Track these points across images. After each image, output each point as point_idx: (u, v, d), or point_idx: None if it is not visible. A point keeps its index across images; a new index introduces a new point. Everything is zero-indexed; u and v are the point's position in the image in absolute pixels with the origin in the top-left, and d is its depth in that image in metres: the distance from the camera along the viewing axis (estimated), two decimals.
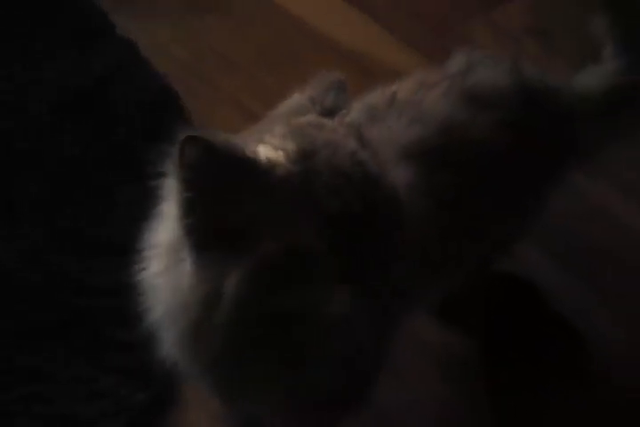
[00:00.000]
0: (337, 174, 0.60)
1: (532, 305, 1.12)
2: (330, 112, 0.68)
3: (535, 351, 1.08)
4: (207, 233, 0.60)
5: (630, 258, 1.17)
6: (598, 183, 1.22)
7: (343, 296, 0.60)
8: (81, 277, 1.11)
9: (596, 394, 1.05)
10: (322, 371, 0.67)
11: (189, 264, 0.62)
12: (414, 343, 1.07)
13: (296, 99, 0.71)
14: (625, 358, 1.08)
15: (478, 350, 1.09)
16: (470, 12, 1.51)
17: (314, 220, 0.58)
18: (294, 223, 0.58)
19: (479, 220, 0.83)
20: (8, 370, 1.01)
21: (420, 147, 0.79)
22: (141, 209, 1.17)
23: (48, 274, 1.11)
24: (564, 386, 1.05)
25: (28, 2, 1.49)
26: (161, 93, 1.37)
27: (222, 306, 0.60)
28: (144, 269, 0.69)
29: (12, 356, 1.02)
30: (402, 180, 0.74)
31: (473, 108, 0.83)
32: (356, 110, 0.79)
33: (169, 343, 0.69)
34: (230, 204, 0.59)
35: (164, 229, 0.67)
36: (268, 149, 0.60)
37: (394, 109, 0.83)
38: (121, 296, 1.06)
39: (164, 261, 0.66)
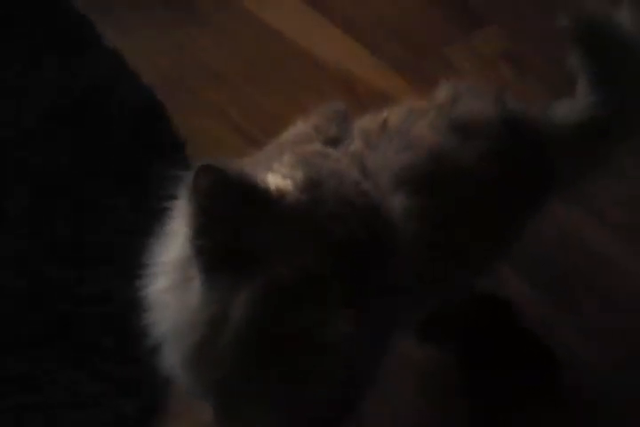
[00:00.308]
0: (342, 203, 0.63)
1: (507, 324, 1.16)
2: (333, 142, 0.72)
3: (510, 368, 1.11)
4: (218, 255, 0.63)
5: (601, 281, 1.22)
6: (573, 209, 1.27)
7: (348, 320, 0.63)
8: (69, 286, 1.11)
9: (568, 409, 1.09)
10: (322, 390, 0.70)
11: (198, 284, 0.65)
12: (394, 356, 1.10)
13: (300, 127, 0.74)
14: (595, 375, 1.12)
15: (456, 365, 1.12)
16: (450, 36, 1.56)
17: (320, 247, 0.62)
18: (302, 249, 0.62)
19: (465, 245, 0.87)
20: None
21: (411, 173, 0.83)
22: (129, 220, 1.21)
23: (36, 282, 1.12)
24: (537, 402, 1.09)
25: (14, 11, 1.50)
26: (147, 105, 1.39)
27: (230, 326, 0.63)
28: (149, 284, 0.72)
29: None
30: (397, 206, 0.78)
31: (460, 138, 0.87)
32: (355, 138, 0.82)
33: (172, 360, 0.71)
34: (242, 230, 0.62)
35: (173, 247, 0.69)
36: (277, 178, 0.64)
37: (386, 136, 0.87)
38: (109, 305, 1.09)
39: (172, 277, 0.69)
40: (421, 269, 0.81)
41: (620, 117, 0.97)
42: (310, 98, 1.44)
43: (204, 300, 0.64)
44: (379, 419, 1.05)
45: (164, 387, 0.97)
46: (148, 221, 0.69)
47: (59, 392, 1.00)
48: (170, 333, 0.70)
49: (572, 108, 0.97)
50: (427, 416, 1.09)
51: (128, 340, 0.75)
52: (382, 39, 1.56)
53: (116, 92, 1.39)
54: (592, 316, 1.18)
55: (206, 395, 0.75)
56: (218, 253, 0.63)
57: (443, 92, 0.94)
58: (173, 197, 0.66)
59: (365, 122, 0.90)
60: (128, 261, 0.73)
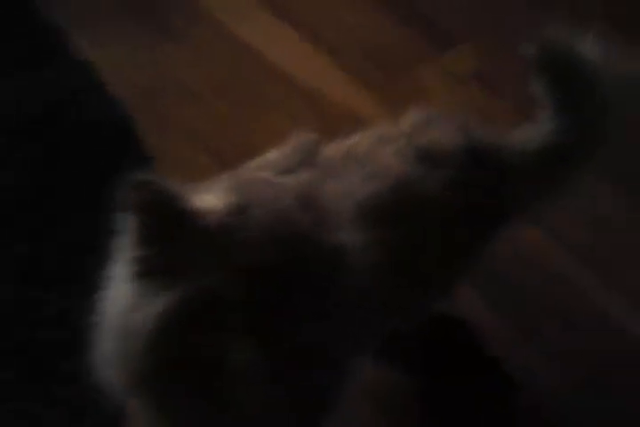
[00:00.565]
0: (262, 231, 0.65)
1: (465, 344, 1.17)
2: (288, 171, 0.73)
3: (466, 389, 1.12)
4: (147, 265, 0.66)
5: (561, 302, 1.23)
6: (532, 230, 1.28)
7: (251, 347, 0.65)
8: (24, 307, 1.10)
9: None
10: (231, 415, 0.71)
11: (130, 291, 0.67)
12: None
13: (271, 156, 0.75)
14: (555, 396, 1.13)
15: (412, 384, 1.13)
16: (422, 55, 1.57)
17: (230, 270, 0.64)
18: (213, 270, 0.64)
19: (429, 273, 0.88)
20: None
21: (375, 202, 0.83)
22: (88, 239, 1.18)
23: None
24: (493, 424, 1.11)
25: None
26: (116, 120, 1.38)
27: (142, 336, 0.66)
28: (102, 299, 0.73)
29: None
30: (356, 236, 0.79)
31: (425, 166, 0.88)
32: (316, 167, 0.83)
33: (101, 357, 0.72)
34: (164, 245, 0.65)
35: (121, 262, 0.71)
36: (210, 199, 0.66)
37: (350, 164, 0.87)
38: (65, 327, 1.07)
39: (121, 291, 0.70)
40: (385, 296, 0.83)
41: (580, 144, 0.98)
42: (281, 116, 1.45)
43: (132, 307, 0.67)
44: None
45: (119, 410, 0.97)
46: (109, 238, 0.70)
47: (11, 415, 0.98)
48: (109, 343, 0.71)
49: (533, 134, 0.99)
50: None
51: (84, 364, 0.74)
52: (354, 57, 1.57)
53: (83, 105, 1.38)
54: (552, 337, 1.20)
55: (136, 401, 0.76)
56: (147, 264, 0.66)
57: (411, 119, 0.95)
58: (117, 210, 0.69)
59: (332, 149, 0.91)
60: (87, 280, 0.74)
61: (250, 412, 0.68)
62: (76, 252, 1.17)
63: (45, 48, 1.47)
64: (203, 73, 1.51)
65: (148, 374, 0.68)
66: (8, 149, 1.29)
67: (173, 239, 0.65)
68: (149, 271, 0.66)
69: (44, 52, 1.47)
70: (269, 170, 0.73)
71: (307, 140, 0.74)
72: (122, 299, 0.69)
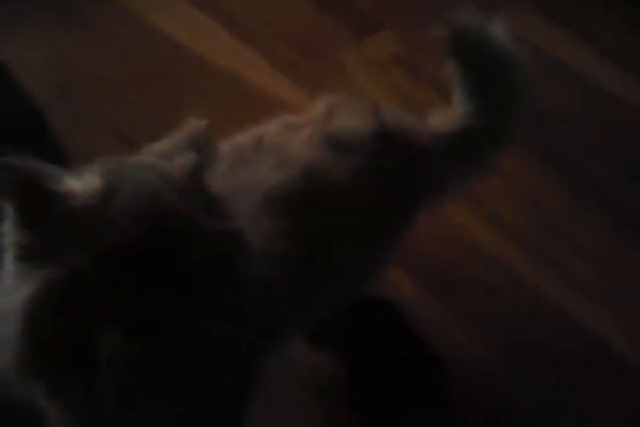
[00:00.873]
0: (126, 214, 0.63)
1: (393, 326, 1.18)
2: (166, 156, 0.71)
3: (397, 371, 1.13)
4: (24, 249, 0.65)
5: (486, 279, 1.25)
6: (466, 213, 1.30)
7: (114, 332, 0.63)
8: None
9: (454, 410, 1.12)
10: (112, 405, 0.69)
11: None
12: (284, 364, 1.10)
13: (162, 144, 0.73)
14: (483, 375, 1.15)
15: (346, 372, 1.13)
16: (342, 41, 1.56)
17: (97, 252, 0.62)
18: (80, 253, 0.62)
19: (343, 262, 0.87)
20: None
21: (284, 191, 0.82)
22: None
23: None
24: (425, 405, 1.12)
25: None
26: (28, 115, 1.33)
27: (15, 321, 0.64)
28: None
29: None
30: (264, 225, 0.78)
31: (335, 153, 0.87)
32: (221, 152, 0.81)
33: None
34: (39, 227, 0.64)
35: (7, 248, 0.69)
36: (76, 182, 0.64)
37: (260, 153, 0.86)
38: None
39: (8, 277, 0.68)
40: (296, 287, 0.81)
41: (494, 127, 0.99)
42: (200, 104, 1.42)
43: (8, 290, 0.65)
44: None
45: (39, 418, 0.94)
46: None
47: None
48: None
49: (447, 117, 0.99)
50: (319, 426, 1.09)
51: None
52: (274, 43, 1.55)
53: None
54: (483, 318, 1.21)
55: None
56: (24, 248, 0.64)
57: (319, 106, 0.94)
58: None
59: (240, 138, 0.89)
60: None
61: (115, 400, 0.66)
62: None
63: None
64: (116, 62, 1.48)
65: (24, 359, 0.66)
66: None
67: (45, 222, 0.63)
68: (27, 255, 0.64)
69: None
70: (153, 156, 0.71)
71: (196, 127, 0.72)
72: (7, 284, 0.67)
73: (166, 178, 0.66)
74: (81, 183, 0.64)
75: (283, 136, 0.89)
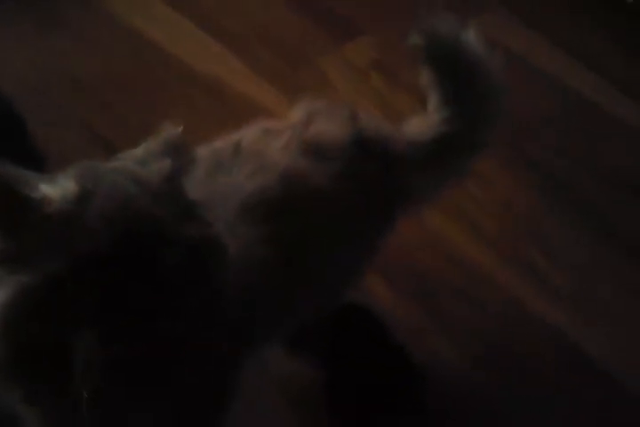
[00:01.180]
0: (100, 217, 0.64)
1: (374, 333, 1.18)
2: (142, 163, 0.71)
3: (376, 377, 1.13)
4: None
5: (463, 287, 1.26)
6: (439, 217, 1.31)
7: (98, 339, 0.63)
8: None
9: (432, 417, 1.12)
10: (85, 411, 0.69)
11: None
12: (260, 373, 1.10)
13: (138, 150, 0.73)
14: (460, 381, 1.16)
15: (322, 377, 1.13)
16: (322, 46, 1.57)
17: (71, 258, 0.63)
18: (52, 259, 0.63)
19: (322, 268, 0.88)
20: None
21: (261, 197, 0.82)
22: None
23: None
24: (401, 410, 1.11)
25: None
26: (5, 117, 1.33)
27: None
28: None
29: None
30: (241, 230, 0.78)
31: (312, 158, 0.88)
32: (199, 157, 0.81)
33: None
34: (9, 231, 0.64)
35: None
36: (50, 187, 0.65)
37: (238, 158, 0.86)
38: None
39: None
40: (276, 292, 0.82)
41: (469, 133, 0.99)
42: (180, 108, 1.42)
43: None
44: None
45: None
46: None
47: None
48: None
49: (424, 124, 0.99)
50: None
51: None
52: (255, 48, 1.55)
53: None
54: (461, 325, 1.22)
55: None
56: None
57: (297, 112, 0.94)
58: None
59: (218, 143, 0.89)
60: None
61: (89, 401, 0.66)
62: None
63: None
64: (96, 65, 1.47)
65: (2, 364, 0.67)
66: None
67: (20, 228, 0.64)
68: (2, 260, 0.64)
69: None
70: (128, 161, 0.71)
71: (172, 133, 0.72)
72: None
73: (141, 183, 0.67)
74: (56, 189, 0.64)
75: (261, 142, 0.89)
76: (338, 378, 1.13)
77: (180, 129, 0.72)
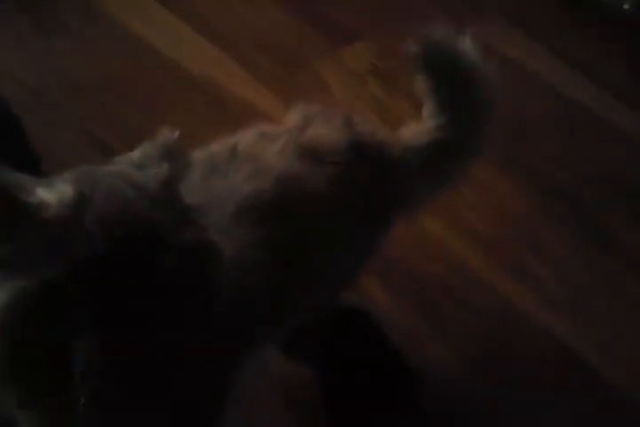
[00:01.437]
0: (98, 222, 0.64)
1: (371, 337, 1.18)
2: (140, 167, 0.71)
3: (373, 381, 1.13)
4: None
5: (460, 291, 1.26)
6: (435, 221, 1.31)
7: (87, 343, 0.64)
8: None
9: (428, 421, 1.12)
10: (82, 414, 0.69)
11: None
12: (259, 373, 1.11)
13: (134, 154, 0.74)
14: (456, 385, 1.16)
15: (321, 381, 1.13)
16: (320, 51, 1.57)
17: (69, 263, 0.63)
18: (50, 263, 0.63)
19: (320, 270, 0.88)
20: None
21: (256, 200, 0.83)
22: None
23: None
24: (398, 414, 1.11)
25: None
26: (3, 119, 1.33)
27: None
28: None
29: None
30: (237, 233, 0.78)
31: (309, 162, 0.88)
32: (196, 160, 0.82)
33: None
34: (7, 237, 0.64)
35: None
36: (47, 192, 0.64)
37: (234, 162, 0.87)
38: None
39: None
40: (275, 294, 0.82)
41: (464, 140, 1.00)
42: (178, 111, 1.42)
43: None
44: None
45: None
46: None
47: None
48: None
49: (419, 130, 1.00)
50: None
51: None
52: (253, 53, 1.56)
53: None
54: (457, 329, 1.22)
55: None
56: None
57: (294, 116, 0.94)
58: None
59: (215, 147, 0.89)
60: None
61: (89, 401, 0.66)
62: None
63: None
64: (93, 67, 1.47)
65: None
66: None
67: (17, 233, 0.63)
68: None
69: None
70: (125, 165, 0.71)
71: (168, 137, 0.72)
72: None
73: (138, 187, 0.67)
74: (53, 193, 0.64)
75: (257, 145, 0.89)
76: (334, 382, 1.13)
77: (177, 133, 0.73)
